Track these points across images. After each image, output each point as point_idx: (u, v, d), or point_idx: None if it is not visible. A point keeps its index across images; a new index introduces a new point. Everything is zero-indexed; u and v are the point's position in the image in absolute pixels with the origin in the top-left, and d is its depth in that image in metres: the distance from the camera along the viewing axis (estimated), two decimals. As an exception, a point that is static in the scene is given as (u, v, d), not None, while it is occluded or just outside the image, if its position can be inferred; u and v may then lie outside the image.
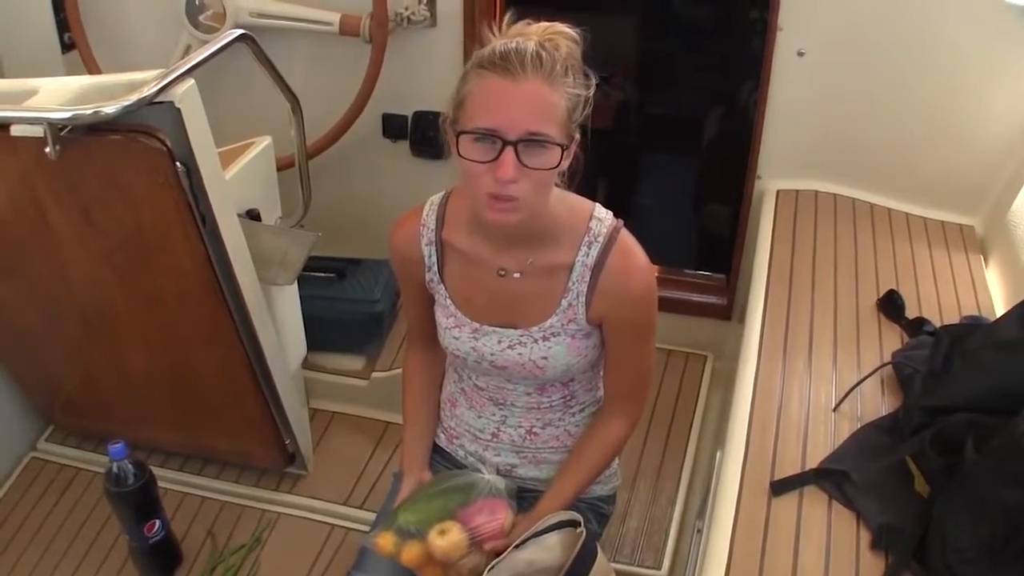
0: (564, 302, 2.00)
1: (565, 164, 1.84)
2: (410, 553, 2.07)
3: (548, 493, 2.15)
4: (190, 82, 2.17)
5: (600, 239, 1.97)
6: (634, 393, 2.17)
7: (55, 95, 2.22)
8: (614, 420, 2.17)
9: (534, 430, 2.21)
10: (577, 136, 1.85)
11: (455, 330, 2.09)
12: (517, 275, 2.01)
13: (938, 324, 2.41)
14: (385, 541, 2.09)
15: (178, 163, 2.19)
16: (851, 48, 2.91)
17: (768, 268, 2.70)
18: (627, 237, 2.00)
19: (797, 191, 3.10)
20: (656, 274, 2.04)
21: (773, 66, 3.00)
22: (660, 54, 5.20)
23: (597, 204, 2.02)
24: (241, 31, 2.45)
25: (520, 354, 2.04)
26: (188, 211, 2.28)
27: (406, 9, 3.16)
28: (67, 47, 3.42)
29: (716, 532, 1.87)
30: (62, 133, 2.10)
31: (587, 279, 1.97)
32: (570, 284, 1.99)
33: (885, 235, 2.89)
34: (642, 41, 5.13)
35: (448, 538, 2.04)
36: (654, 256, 2.03)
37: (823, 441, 2.07)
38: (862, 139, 3.05)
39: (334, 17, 3.19)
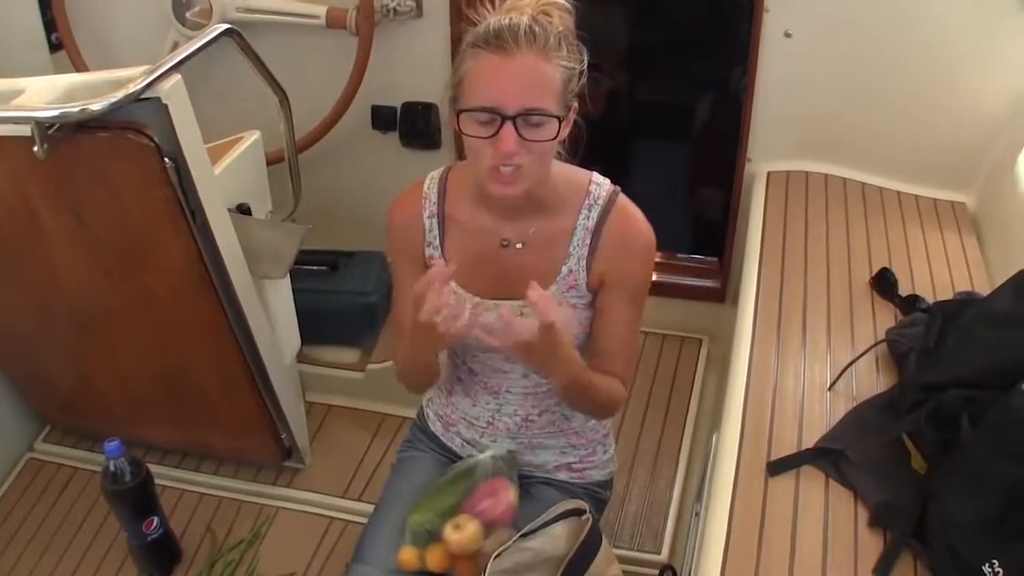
0: (564, 269, 2.02)
1: (563, 134, 1.87)
2: (434, 558, 2.10)
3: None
4: (176, 78, 2.17)
5: (600, 202, 2.00)
6: (627, 356, 2.14)
7: (42, 94, 2.21)
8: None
9: (530, 417, 2.21)
10: (575, 105, 1.88)
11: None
12: (520, 245, 2.03)
13: (932, 301, 2.40)
14: (408, 556, 2.11)
15: (166, 159, 2.19)
16: (838, 28, 2.91)
17: (760, 250, 2.70)
18: (625, 200, 2.03)
19: (788, 172, 3.11)
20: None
21: (761, 48, 3.00)
22: (650, 41, 5.19)
23: (594, 172, 2.05)
24: (227, 26, 2.44)
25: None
26: (178, 207, 2.28)
27: (392, 0, 3.15)
28: (55, 47, 3.42)
29: (713, 514, 1.87)
30: (50, 132, 2.10)
31: (588, 242, 2.00)
32: (571, 250, 2.01)
33: (877, 214, 2.89)
34: (632, 28, 5.12)
35: (465, 532, 2.07)
36: (648, 240, 2.03)
37: (819, 421, 2.07)
38: (852, 119, 3.04)
39: (320, 10, 3.18)
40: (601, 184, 2.03)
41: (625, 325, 2.09)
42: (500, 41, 1.76)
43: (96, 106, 2.02)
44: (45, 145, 2.09)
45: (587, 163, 2.04)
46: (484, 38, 1.79)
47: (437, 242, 2.08)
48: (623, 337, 2.10)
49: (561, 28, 1.83)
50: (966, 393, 1.80)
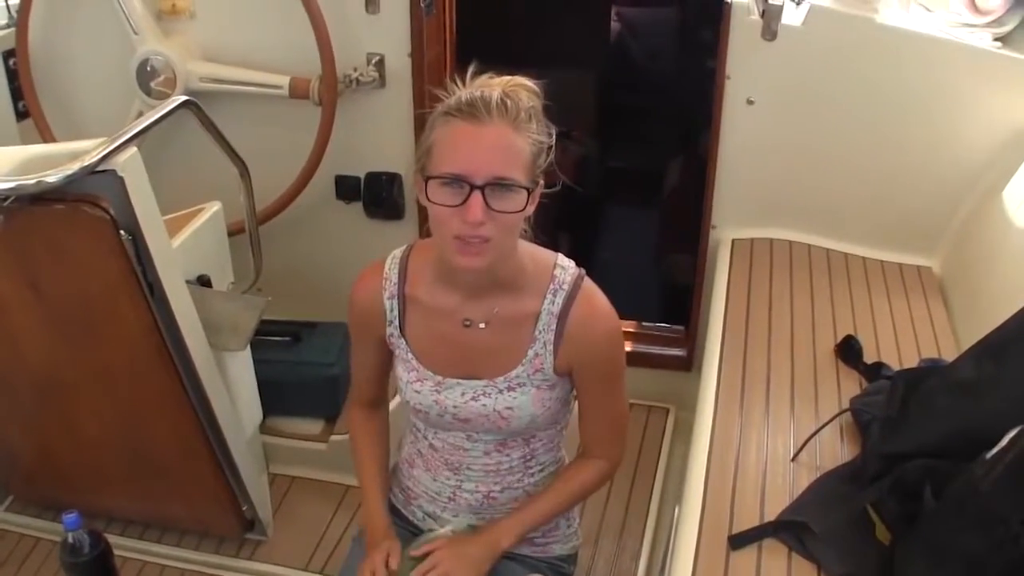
0: (530, 352, 2.00)
1: (531, 208, 1.86)
2: None
3: (512, 515, 2.14)
4: (133, 150, 2.17)
5: (565, 287, 1.98)
6: (612, 438, 2.16)
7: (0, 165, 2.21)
8: (593, 460, 2.16)
9: (492, 494, 2.18)
10: (541, 182, 1.87)
11: (416, 384, 2.07)
12: (482, 325, 2.01)
13: (897, 368, 2.40)
14: None
15: (122, 231, 2.19)
16: (800, 95, 2.93)
17: (724, 318, 2.69)
18: (590, 285, 2.02)
19: (752, 239, 3.11)
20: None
21: (723, 115, 3.02)
22: (619, 107, 5.22)
23: (560, 254, 2.04)
24: (185, 98, 2.46)
25: (484, 405, 2.03)
26: (135, 279, 2.28)
27: (355, 71, 3.17)
28: (21, 115, 3.44)
29: (675, 589, 1.84)
30: (6, 203, 2.09)
31: (553, 327, 1.98)
32: (536, 334, 1.99)
33: (842, 280, 2.89)
34: (601, 95, 5.15)
35: None
36: (617, 310, 2.03)
37: (782, 492, 2.05)
38: (816, 185, 3.06)
39: (284, 80, 3.20)
40: (566, 268, 2.01)
41: (608, 409, 2.11)
42: (472, 109, 1.76)
43: (51, 178, 2.02)
44: (1, 217, 2.09)
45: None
46: (456, 107, 1.79)
47: (397, 322, 2.07)
48: (609, 420, 2.13)
49: (530, 105, 1.83)
50: (928, 463, 1.79)
